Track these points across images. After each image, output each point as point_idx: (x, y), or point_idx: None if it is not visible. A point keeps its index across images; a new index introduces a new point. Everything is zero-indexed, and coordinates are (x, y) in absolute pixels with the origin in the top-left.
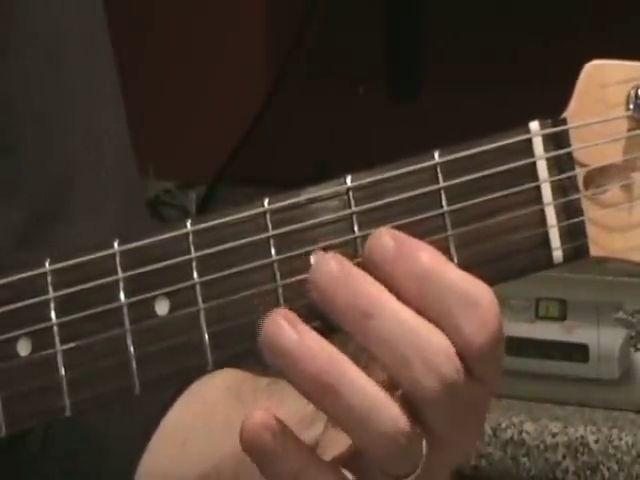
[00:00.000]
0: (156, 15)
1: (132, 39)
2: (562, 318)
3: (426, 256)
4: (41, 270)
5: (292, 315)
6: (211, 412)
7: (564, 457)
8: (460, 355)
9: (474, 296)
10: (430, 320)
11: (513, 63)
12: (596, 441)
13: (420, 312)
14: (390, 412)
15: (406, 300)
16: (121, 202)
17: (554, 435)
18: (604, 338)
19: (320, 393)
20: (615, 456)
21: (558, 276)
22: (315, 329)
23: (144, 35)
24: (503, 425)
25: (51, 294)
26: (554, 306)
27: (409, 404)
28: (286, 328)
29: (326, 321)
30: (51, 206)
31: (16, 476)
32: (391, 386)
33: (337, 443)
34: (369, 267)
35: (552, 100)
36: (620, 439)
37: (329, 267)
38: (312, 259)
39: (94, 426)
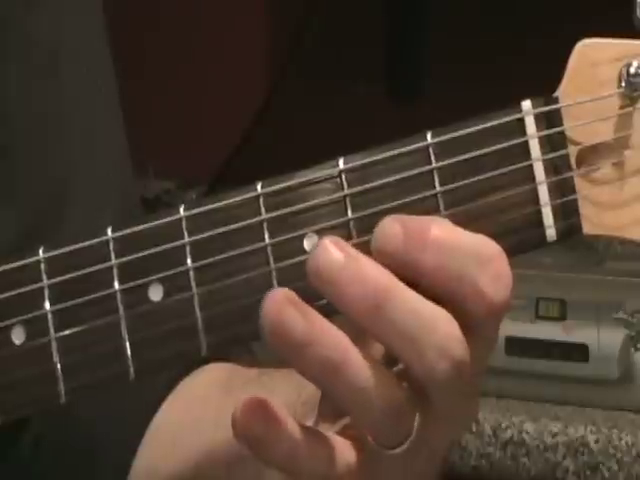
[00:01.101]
0: (156, 15)
1: (132, 39)
2: (562, 318)
3: (435, 228)
4: (35, 258)
5: (294, 296)
6: (201, 409)
7: (564, 457)
8: (480, 314)
9: (487, 253)
10: (449, 290)
11: (513, 63)
12: (596, 441)
13: (438, 285)
14: (391, 390)
15: (423, 276)
16: (117, 203)
17: (554, 435)
18: (604, 338)
19: (327, 376)
20: (615, 456)
21: (558, 276)
22: (322, 308)
23: (144, 35)
24: (503, 425)
25: (45, 282)
26: (554, 306)
27: (408, 379)
28: (292, 313)
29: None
30: (49, 208)
31: (8, 477)
32: (389, 361)
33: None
34: (380, 254)
35: None
36: (620, 439)
37: (331, 255)
38: (305, 243)
39: (86, 428)
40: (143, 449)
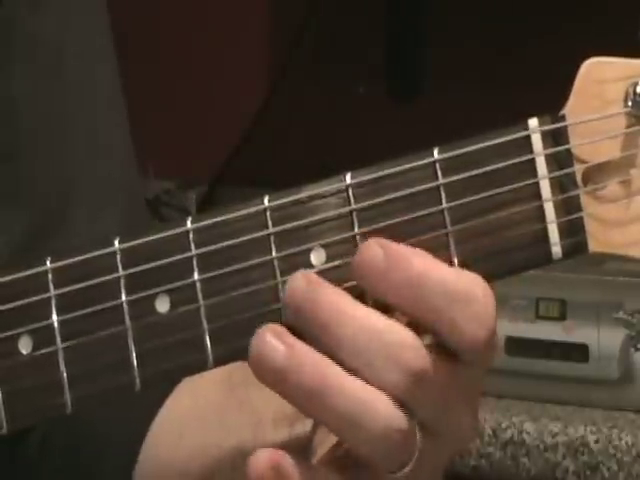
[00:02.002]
0: (157, 16)
1: (133, 39)
2: (562, 318)
3: (417, 260)
4: (42, 268)
5: (280, 328)
6: (204, 408)
7: (564, 457)
8: (458, 349)
9: (469, 293)
10: (427, 322)
11: (514, 63)
12: (596, 441)
13: (417, 316)
14: (384, 411)
15: (400, 307)
16: (123, 204)
17: (554, 435)
18: (604, 338)
19: (310, 404)
20: (615, 456)
21: (558, 276)
22: None
23: (145, 36)
24: (503, 425)
25: (52, 292)
26: (554, 306)
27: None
28: (273, 343)
29: None
30: (54, 208)
31: (15, 479)
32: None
33: (330, 436)
34: (360, 279)
35: (553, 100)
36: (620, 439)
37: (297, 283)
38: (312, 257)
39: (92, 429)
40: (148, 446)
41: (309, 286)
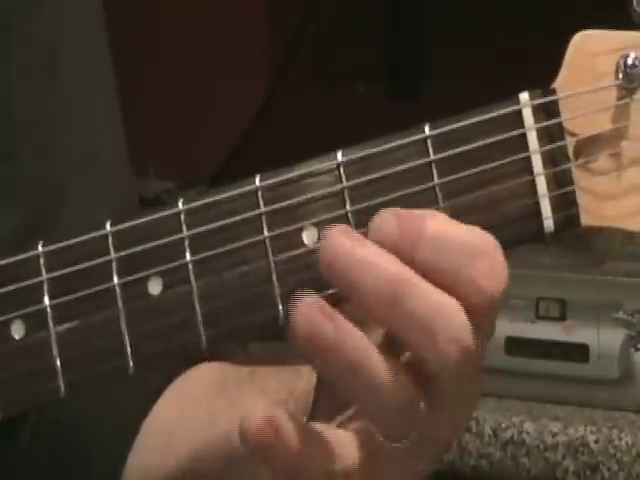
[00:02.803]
0: (156, 15)
1: (132, 39)
2: (562, 318)
3: (430, 222)
4: (34, 252)
5: (328, 308)
6: (195, 407)
7: (564, 457)
8: (479, 307)
9: (482, 246)
10: (446, 282)
11: (514, 63)
12: (596, 441)
13: (436, 277)
14: (404, 385)
15: (419, 270)
16: (116, 205)
17: (554, 435)
18: (604, 338)
19: (348, 377)
20: (615, 456)
21: (558, 276)
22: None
23: (144, 35)
24: (503, 425)
25: (44, 276)
26: (554, 306)
27: (416, 368)
28: (324, 323)
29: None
30: (46, 207)
31: (5, 471)
32: (394, 348)
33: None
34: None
35: None
36: (620, 439)
37: (343, 247)
38: (304, 236)
39: (82, 421)
40: (137, 445)
41: (360, 248)
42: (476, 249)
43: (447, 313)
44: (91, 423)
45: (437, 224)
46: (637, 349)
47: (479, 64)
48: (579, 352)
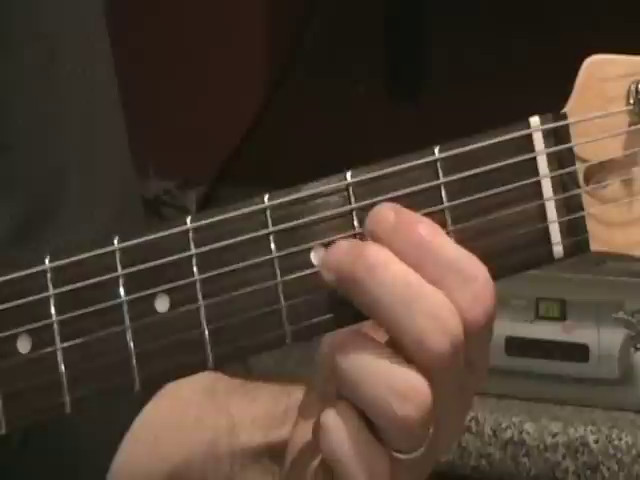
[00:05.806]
0: (156, 15)
1: (132, 39)
2: (562, 318)
3: (424, 227)
4: (41, 267)
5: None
6: (183, 410)
7: (564, 457)
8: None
9: (471, 271)
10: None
11: (514, 63)
12: (596, 441)
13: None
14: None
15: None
16: (115, 200)
17: (554, 435)
18: (604, 338)
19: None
20: (615, 456)
21: (558, 276)
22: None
23: (144, 35)
24: (503, 425)
25: (51, 291)
26: (554, 306)
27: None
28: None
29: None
30: (46, 203)
31: None
32: None
33: (306, 443)
34: (370, 236)
35: (553, 100)
36: (620, 439)
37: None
38: (312, 256)
39: (71, 425)
40: (124, 447)
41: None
42: (464, 272)
43: (425, 293)
44: (81, 427)
45: (432, 231)
46: (637, 349)
47: (479, 64)
48: (579, 352)
